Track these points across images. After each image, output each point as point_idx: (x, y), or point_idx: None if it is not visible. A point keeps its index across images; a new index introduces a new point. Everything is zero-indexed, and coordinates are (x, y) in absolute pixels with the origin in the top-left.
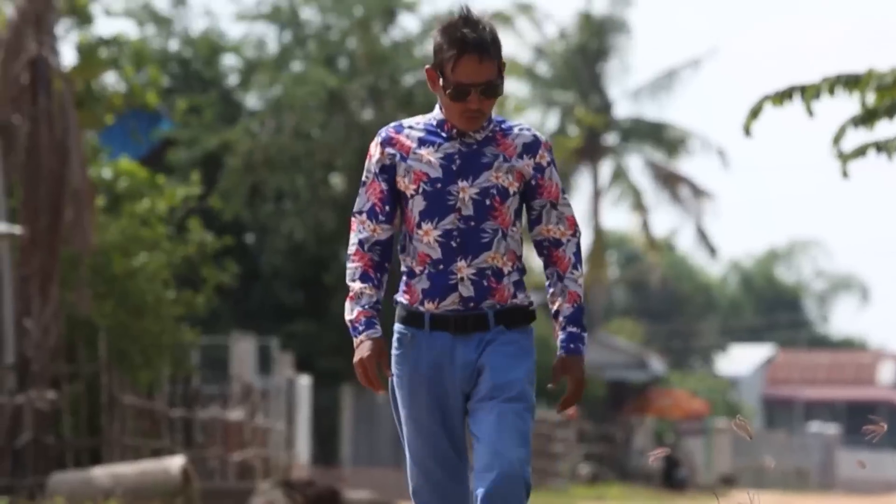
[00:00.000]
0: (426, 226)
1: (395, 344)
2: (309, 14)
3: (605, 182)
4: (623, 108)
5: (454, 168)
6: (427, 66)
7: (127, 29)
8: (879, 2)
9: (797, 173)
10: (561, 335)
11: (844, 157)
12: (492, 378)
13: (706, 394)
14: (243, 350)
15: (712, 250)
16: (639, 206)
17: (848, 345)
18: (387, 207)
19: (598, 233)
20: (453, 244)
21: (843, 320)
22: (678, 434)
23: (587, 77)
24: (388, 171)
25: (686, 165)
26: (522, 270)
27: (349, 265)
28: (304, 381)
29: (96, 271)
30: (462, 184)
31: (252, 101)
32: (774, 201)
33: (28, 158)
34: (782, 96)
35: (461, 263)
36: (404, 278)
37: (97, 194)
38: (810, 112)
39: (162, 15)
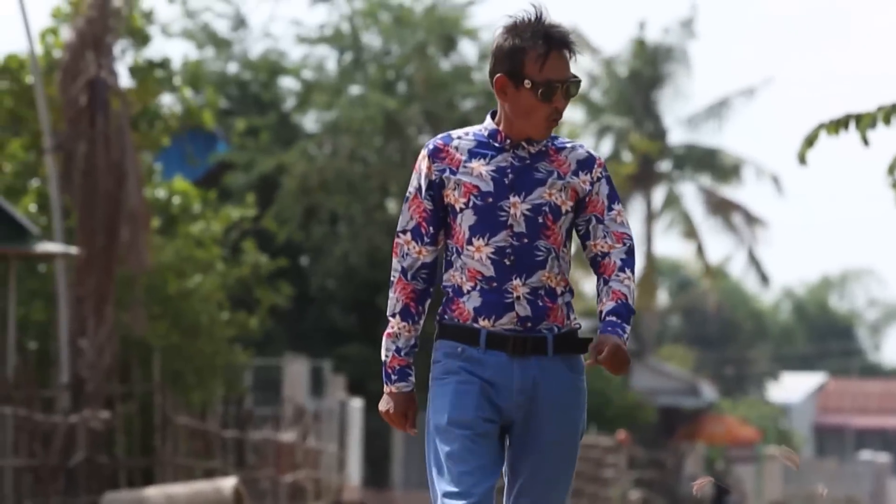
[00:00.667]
0: (477, 241)
1: (438, 357)
2: (369, 38)
3: (658, 208)
4: (677, 135)
5: (506, 182)
6: (498, 75)
7: (186, 51)
8: None
9: (851, 202)
10: (601, 325)
11: None
12: (550, 431)
13: (757, 421)
14: (296, 372)
15: (764, 278)
16: (691, 232)
17: None
18: (431, 228)
19: (651, 259)
20: (507, 262)
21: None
22: (729, 461)
23: (641, 104)
24: (434, 187)
25: (739, 193)
26: (572, 292)
27: (391, 294)
28: (356, 404)
29: (151, 292)
30: (514, 199)
31: (309, 123)
32: (828, 229)
33: (85, 179)
34: (837, 125)
35: (516, 282)
36: (451, 294)
37: (152, 215)
38: (866, 141)
39: (221, 37)
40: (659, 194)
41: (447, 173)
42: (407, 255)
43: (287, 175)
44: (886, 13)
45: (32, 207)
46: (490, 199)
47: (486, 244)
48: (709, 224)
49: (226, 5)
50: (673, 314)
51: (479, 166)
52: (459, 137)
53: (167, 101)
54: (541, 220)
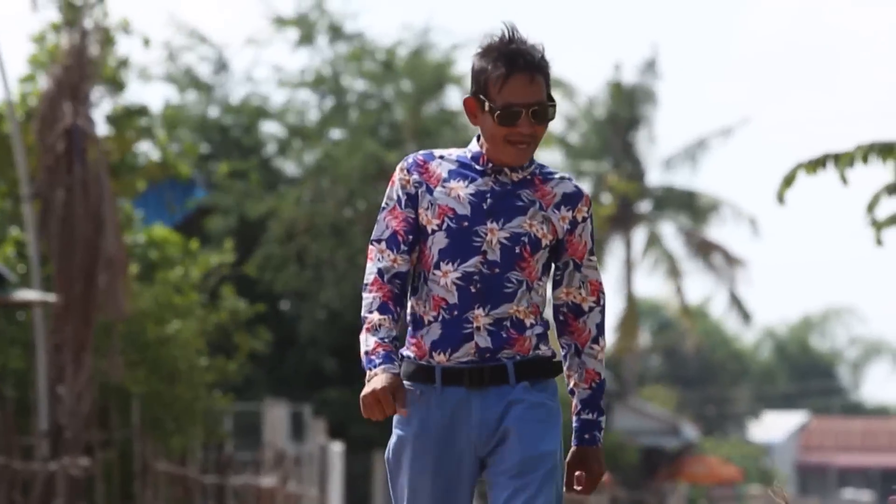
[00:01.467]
0: (445, 266)
1: (395, 422)
2: (352, 83)
3: (638, 250)
4: (656, 176)
5: (484, 207)
6: (466, 96)
7: (168, 94)
8: None
9: (831, 241)
10: (575, 422)
11: (878, 225)
12: (521, 451)
13: (739, 460)
14: (276, 416)
15: (746, 316)
16: (672, 272)
17: (882, 412)
18: (409, 237)
19: (631, 300)
20: (472, 289)
21: (877, 387)
22: (711, 501)
23: (619, 146)
24: (412, 199)
25: (719, 232)
26: (546, 325)
27: (366, 295)
28: (337, 448)
29: (129, 339)
30: (491, 225)
31: (291, 168)
32: (809, 269)
33: (63, 227)
34: (816, 164)
35: (478, 311)
36: (410, 329)
37: (131, 262)
38: (844, 180)
39: (203, 81)
40: (639, 235)
41: (423, 189)
42: (382, 259)
43: (275, 220)
44: (864, 53)
45: (10, 255)
46: (465, 224)
47: (454, 269)
48: (690, 264)
49: (208, 49)
50: (654, 354)
51: (458, 188)
52: (442, 157)
53: (145, 148)
54: (517, 251)
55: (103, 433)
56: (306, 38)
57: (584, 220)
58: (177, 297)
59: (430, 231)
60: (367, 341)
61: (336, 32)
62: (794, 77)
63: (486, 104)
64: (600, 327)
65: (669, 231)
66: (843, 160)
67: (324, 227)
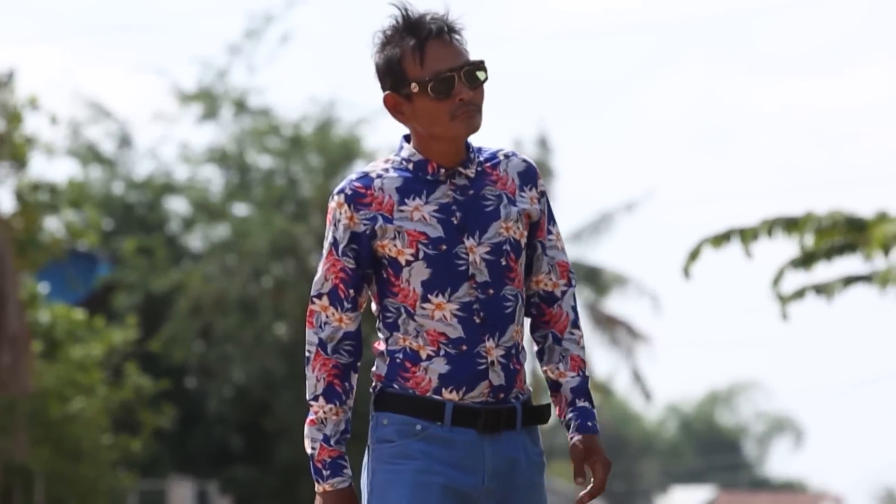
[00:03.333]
0: (437, 299)
1: (386, 435)
2: (256, 157)
3: None
4: None
5: (455, 223)
6: (385, 94)
7: (71, 169)
8: (812, 146)
9: (737, 315)
10: (571, 413)
11: (784, 299)
12: None
13: None
14: (181, 495)
15: (647, 395)
16: None
17: (788, 487)
18: (351, 291)
19: (535, 376)
20: (476, 319)
21: (782, 462)
22: None
23: None
24: (360, 239)
25: (623, 307)
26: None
27: (309, 375)
28: None
29: (33, 417)
30: (469, 242)
31: (196, 243)
32: (714, 343)
33: None
34: (721, 238)
35: (489, 343)
36: (400, 360)
37: (34, 339)
38: (749, 254)
39: (106, 157)
40: None
41: (380, 222)
42: (326, 324)
43: (182, 296)
44: (763, 130)
45: None
46: (444, 247)
47: (449, 300)
48: (594, 340)
49: (112, 123)
50: (558, 430)
51: (419, 207)
52: (380, 176)
53: (51, 223)
54: (504, 263)
55: None
56: (210, 113)
57: (543, 194)
58: (80, 374)
59: (402, 263)
60: (313, 439)
61: (240, 107)
62: (696, 153)
63: (412, 86)
64: (576, 311)
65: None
66: (747, 234)
67: (231, 302)
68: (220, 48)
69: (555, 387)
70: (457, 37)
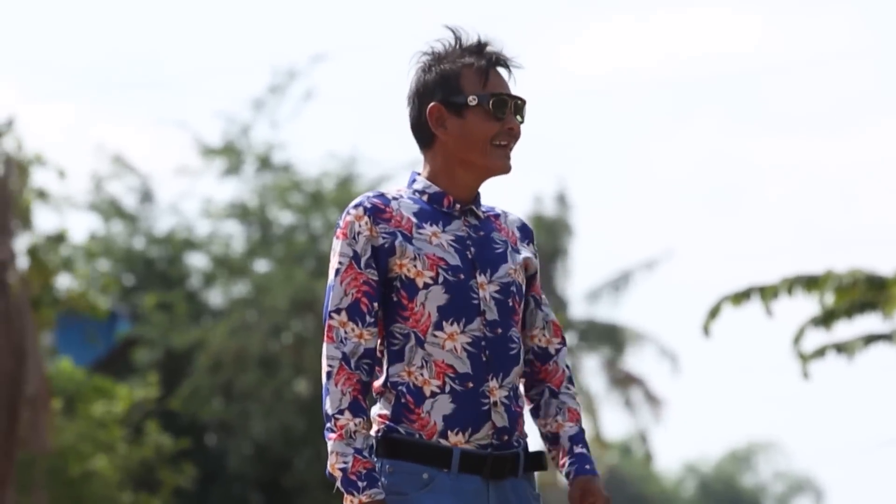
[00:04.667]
0: (450, 327)
1: (394, 486)
2: (277, 213)
3: None
4: (579, 309)
5: (469, 256)
6: (432, 104)
7: (93, 224)
8: (828, 204)
9: (756, 374)
10: (569, 459)
11: (805, 358)
12: None
13: None
14: None
15: (649, 456)
16: (589, 409)
17: None
18: (374, 304)
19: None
20: (483, 357)
21: None
22: None
23: (543, 279)
24: (380, 254)
25: (641, 365)
26: None
27: (333, 388)
28: None
29: (52, 475)
30: (481, 279)
31: (216, 299)
32: (734, 403)
33: None
34: (741, 296)
35: (493, 384)
36: (405, 398)
37: (53, 396)
38: (769, 312)
39: (128, 211)
40: None
41: (400, 239)
42: (346, 339)
43: (202, 352)
44: (777, 187)
45: None
46: (461, 276)
47: (462, 332)
48: (610, 399)
49: (134, 178)
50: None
51: (437, 233)
52: (396, 198)
53: (65, 280)
54: (510, 304)
55: None
56: (233, 168)
57: (536, 254)
58: (100, 431)
59: (420, 285)
60: (342, 454)
61: (263, 163)
62: (709, 210)
63: (470, 98)
64: (569, 368)
65: (591, 364)
66: (767, 292)
67: (251, 359)
68: (243, 103)
69: (553, 439)
70: (509, 72)
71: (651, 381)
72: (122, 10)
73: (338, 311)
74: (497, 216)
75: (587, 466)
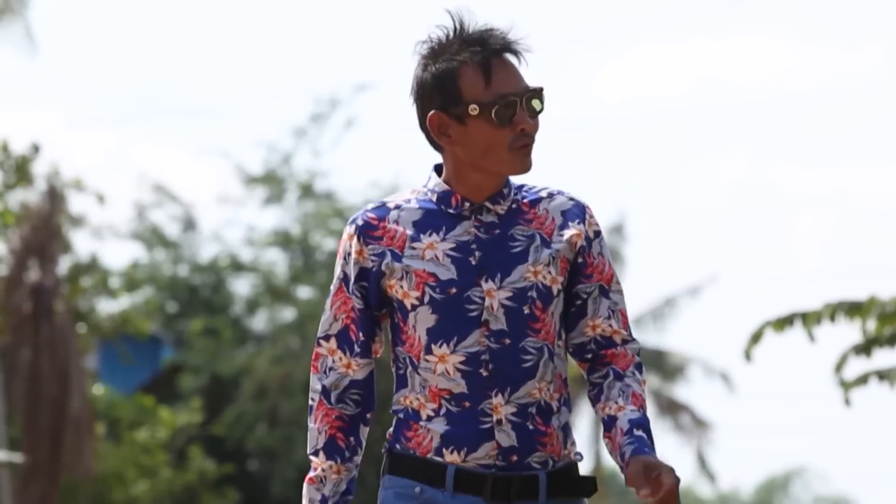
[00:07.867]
0: (439, 349)
1: (385, 500)
2: (320, 240)
3: None
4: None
5: (472, 263)
6: (430, 113)
7: (136, 252)
8: (881, 230)
9: (798, 400)
10: (627, 438)
11: (846, 385)
12: None
13: None
14: None
15: (711, 477)
16: None
17: None
18: (362, 333)
19: (599, 469)
20: (483, 373)
21: None
22: None
23: None
24: (370, 277)
25: (688, 392)
26: (570, 406)
27: (311, 426)
28: None
29: (96, 499)
30: (487, 285)
31: (260, 325)
32: (775, 429)
33: (30, 386)
34: (783, 322)
35: (496, 400)
36: (403, 418)
37: (97, 421)
38: (811, 338)
39: (171, 239)
40: None
41: (388, 259)
42: (331, 369)
43: (247, 378)
44: (813, 213)
45: None
46: (453, 290)
47: (453, 351)
48: (658, 425)
49: (177, 207)
50: None
51: (433, 244)
52: (399, 207)
53: (104, 306)
54: (526, 311)
55: None
56: (276, 197)
57: (598, 234)
58: (143, 456)
59: (409, 307)
60: (309, 501)
61: (306, 191)
62: (746, 236)
63: (471, 107)
64: (640, 363)
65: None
66: (810, 318)
67: (295, 385)
68: (285, 131)
69: (610, 422)
70: (518, 58)
71: (697, 406)
72: (165, 38)
73: (326, 337)
74: (536, 202)
75: (646, 449)
